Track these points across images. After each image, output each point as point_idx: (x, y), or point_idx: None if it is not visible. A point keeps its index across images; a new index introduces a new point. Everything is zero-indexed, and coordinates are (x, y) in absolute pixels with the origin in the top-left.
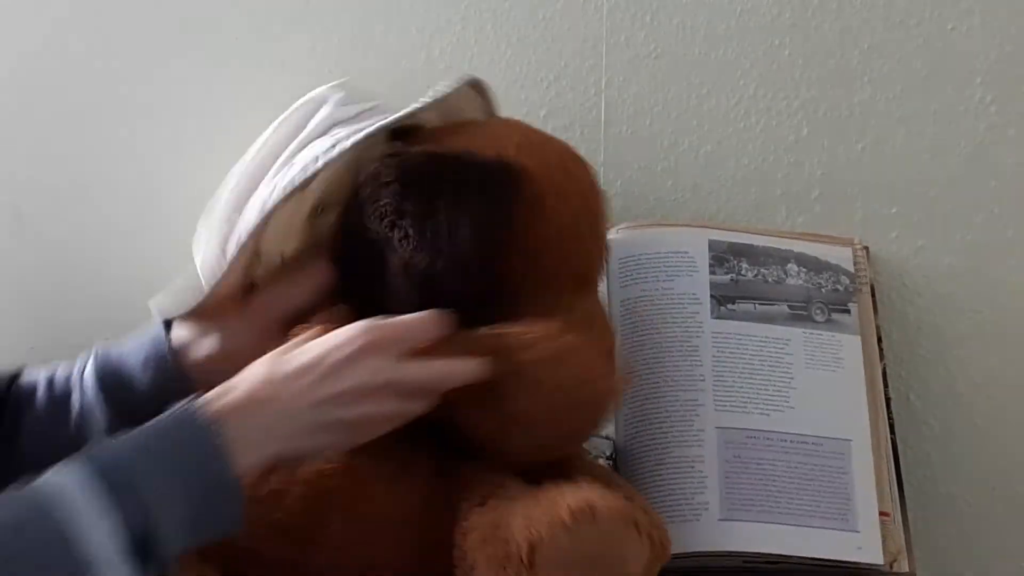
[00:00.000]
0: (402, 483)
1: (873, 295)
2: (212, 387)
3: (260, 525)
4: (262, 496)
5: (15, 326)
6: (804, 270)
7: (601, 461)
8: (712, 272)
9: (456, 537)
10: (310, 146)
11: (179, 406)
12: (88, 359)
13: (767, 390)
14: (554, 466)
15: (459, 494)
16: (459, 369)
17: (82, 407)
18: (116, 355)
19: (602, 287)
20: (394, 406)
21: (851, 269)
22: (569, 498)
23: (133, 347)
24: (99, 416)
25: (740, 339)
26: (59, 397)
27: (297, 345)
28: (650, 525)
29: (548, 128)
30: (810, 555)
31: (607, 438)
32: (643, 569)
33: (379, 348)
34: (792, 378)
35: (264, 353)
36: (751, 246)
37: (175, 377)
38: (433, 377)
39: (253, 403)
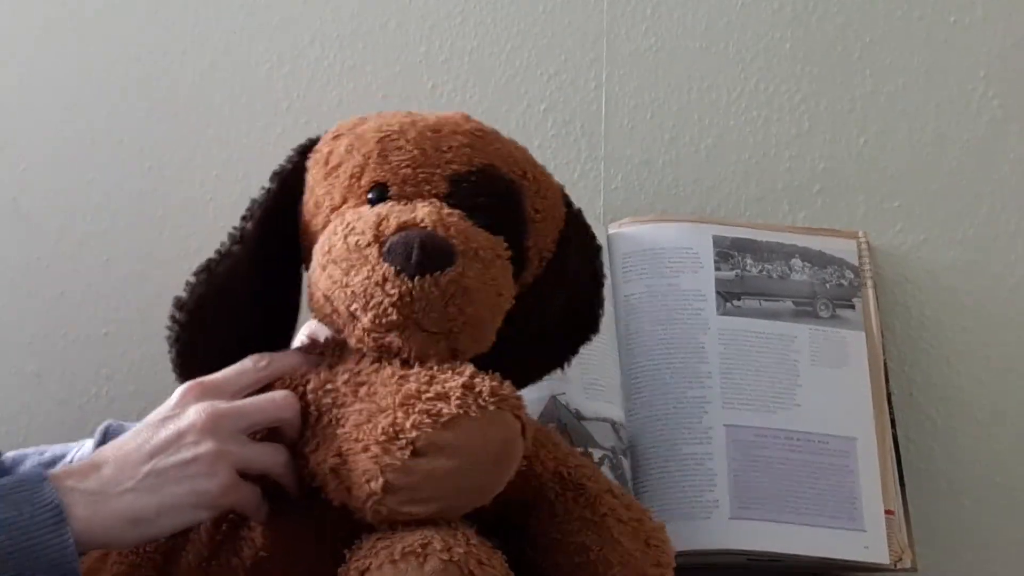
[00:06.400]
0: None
1: (875, 289)
2: None
3: None
4: None
5: (14, 324)
6: (808, 265)
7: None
8: (717, 268)
9: None
10: None
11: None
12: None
13: (774, 387)
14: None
15: None
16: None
17: None
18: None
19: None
20: (235, 448)
21: (855, 263)
22: (410, 538)
23: None
24: None
25: (746, 336)
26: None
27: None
28: None
29: (548, 122)
30: (818, 554)
31: (624, 426)
32: None
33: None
34: (798, 375)
35: None
36: (755, 241)
37: None
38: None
39: (91, 465)
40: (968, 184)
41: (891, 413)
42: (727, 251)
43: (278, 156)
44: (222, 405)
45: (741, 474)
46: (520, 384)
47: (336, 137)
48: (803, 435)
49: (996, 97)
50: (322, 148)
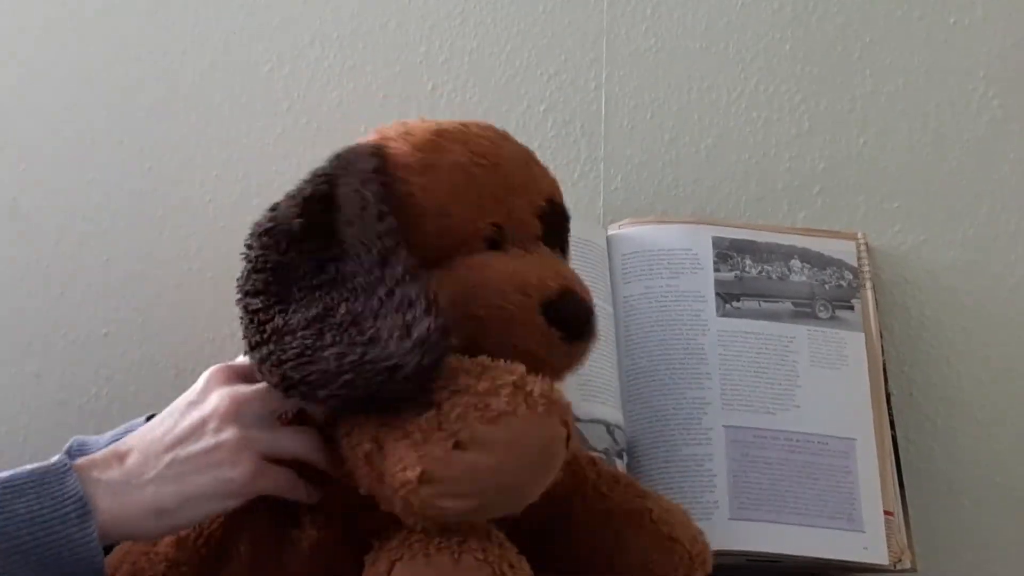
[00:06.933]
0: None
1: (874, 290)
2: None
3: None
4: None
5: (14, 324)
6: (808, 266)
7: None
8: (716, 270)
9: None
10: None
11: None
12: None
13: (773, 388)
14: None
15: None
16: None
17: None
18: (91, 442)
19: (604, 282)
20: (260, 434)
21: (854, 264)
22: (445, 534)
23: (108, 437)
24: None
25: (746, 337)
26: None
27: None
28: None
29: (548, 123)
30: (817, 555)
31: (619, 427)
32: None
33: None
34: (798, 376)
35: None
36: (754, 243)
37: None
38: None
39: (114, 455)
40: (968, 184)
41: (890, 414)
42: (726, 252)
43: (278, 156)
44: (245, 389)
45: (740, 475)
46: None
47: (429, 165)
48: (802, 436)
49: (996, 97)
50: (416, 177)
